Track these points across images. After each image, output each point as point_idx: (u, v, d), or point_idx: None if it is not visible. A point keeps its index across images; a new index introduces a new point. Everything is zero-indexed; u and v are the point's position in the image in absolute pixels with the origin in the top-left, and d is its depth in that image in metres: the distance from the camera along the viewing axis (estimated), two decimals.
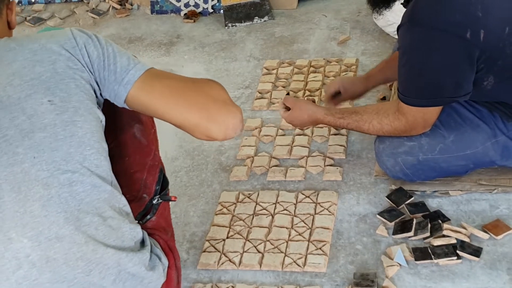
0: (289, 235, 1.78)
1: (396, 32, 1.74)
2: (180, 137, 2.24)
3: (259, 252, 1.74)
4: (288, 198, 1.90)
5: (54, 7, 3.42)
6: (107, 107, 1.29)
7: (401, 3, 1.74)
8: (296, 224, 1.81)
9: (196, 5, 3.13)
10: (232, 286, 1.67)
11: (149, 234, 1.34)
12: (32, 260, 1.12)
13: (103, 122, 1.25)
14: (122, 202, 1.24)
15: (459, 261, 1.62)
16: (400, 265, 1.63)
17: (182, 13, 3.15)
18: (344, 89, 2.06)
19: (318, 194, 1.90)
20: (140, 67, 1.25)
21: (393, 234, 1.73)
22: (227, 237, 1.81)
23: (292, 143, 2.13)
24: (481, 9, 1.54)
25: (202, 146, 2.20)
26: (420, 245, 1.69)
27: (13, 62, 1.18)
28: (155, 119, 1.47)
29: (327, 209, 1.83)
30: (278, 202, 1.89)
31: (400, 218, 1.77)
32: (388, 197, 1.84)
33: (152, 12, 3.22)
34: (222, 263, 1.73)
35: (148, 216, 1.39)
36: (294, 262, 1.69)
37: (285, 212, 1.85)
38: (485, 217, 1.75)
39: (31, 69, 1.17)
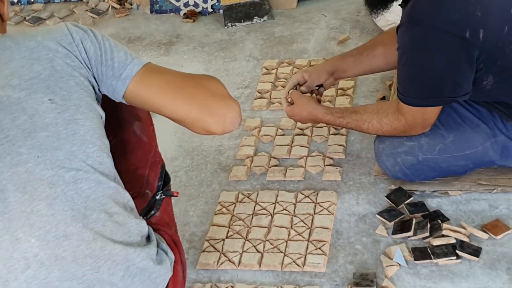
0: (289, 235, 1.78)
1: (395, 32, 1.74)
2: (179, 136, 2.24)
3: (258, 252, 1.74)
4: (287, 198, 1.90)
5: (54, 6, 3.41)
6: (106, 105, 1.29)
7: (399, 4, 1.74)
8: (296, 224, 1.81)
9: (196, 5, 3.13)
10: (231, 286, 1.67)
11: (154, 230, 1.34)
12: (41, 259, 1.12)
13: (103, 118, 1.25)
14: (126, 197, 1.25)
15: (459, 261, 1.62)
16: (399, 265, 1.63)
17: (182, 13, 3.14)
18: (310, 78, 2.02)
19: (317, 194, 1.90)
20: (138, 62, 1.25)
21: (393, 234, 1.73)
22: (227, 237, 1.81)
23: (292, 143, 2.13)
24: (480, 8, 1.53)
25: (202, 146, 2.20)
26: (419, 245, 1.69)
27: (10, 61, 1.17)
28: (153, 118, 1.47)
29: (326, 209, 1.83)
30: (278, 202, 1.89)
31: (399, 218, 1.77)
32: (387, 197, 1.84)
33: (151, 11, 3.21)
34: (222, 263, 1.73)
35: (152, 212, 1.40)
36: (294, 262, 1.69)
37: (284, 212, 1.85)
38: (484, 217, 1.75)
39: (29, 67, 1.17)
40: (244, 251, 1.75)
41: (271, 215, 1.86)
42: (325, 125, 2.13)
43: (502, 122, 1.72)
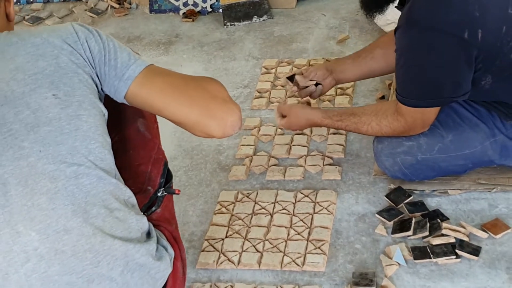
0: (288, 235, 1.78)
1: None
2: (179, 136, 2.23)
3: (258, 251, 1.74)
4: (287, 197, 1.90)
5: (53, 6, 3.41)
6: (110, 102, 1.30)
7: (395, 6, 1.74)
8: (295, 223, 1.81)
9: (195, 4, 3.13)
10: (231, 286, 1.67)
11: (154, 226, 1.35)
12: (41, 253, 1.13)
13: (106, 116, 1.25)
14: (128, 194, 1.25)
15: (458, 260, 1.62)
16: (399, 264, 1.63)
17: (181, 12, 3.14)
18: (307, 71, 2.02)
19: (317, 194, 1.90)
20: (141, 63, 1.26)
21: (392, 233, 1.73)
22: (226, 237, 1.81)
23: (291, 143, 2.13)
24: (478, 8, 1.53)
25: (201, 146, 2.20)
26: (419, 244, 1.69)
27: (15, 57, 1.18)
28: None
29: (326, 209, 1.83)
30: (277, 202, 1.89)
31: (399, 217, 1.77)
32: (387, 196, 1.84)
33: (150, 11, 3.21)
34: (221, 263, 1.73)
35: (153, 208, 1.41)
36: (293, 261, 1.69)
37: (284, 211, 1.85)
38: (484, 216, 1.74)
39: (34, 63, 1.18)
40: (244, 251, 1.75)
41: (271, 214, 1.86)
42: None
43: (501, 121, 1.72)
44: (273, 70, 2.54)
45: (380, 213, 1.79)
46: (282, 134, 2.18)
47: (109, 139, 1.24)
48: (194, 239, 1.84)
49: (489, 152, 1.75)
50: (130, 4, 3.31)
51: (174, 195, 1.48)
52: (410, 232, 1.70)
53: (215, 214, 1.89)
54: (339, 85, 2.34)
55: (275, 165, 2.06)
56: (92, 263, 1.16)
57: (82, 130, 1.17)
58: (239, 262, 1.72)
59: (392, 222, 1.76)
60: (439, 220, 1.72)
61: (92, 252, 1.15)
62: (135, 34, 3.05)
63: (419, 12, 1.58)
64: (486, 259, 1.62)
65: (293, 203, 1.88)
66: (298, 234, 1.77)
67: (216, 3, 3.11)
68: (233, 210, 1.90)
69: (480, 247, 1.64)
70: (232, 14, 3.00)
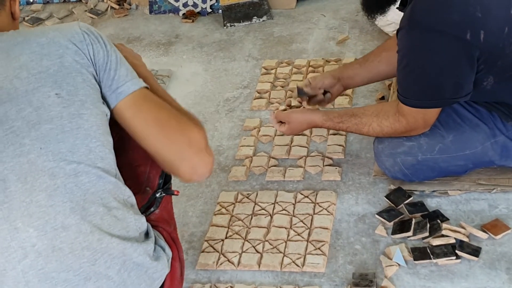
0: (288, 235, 1.77)
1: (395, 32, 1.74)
2: None
3: (257, 252, 1.74)
4: (287, 198, 1.90)
5: (53, 7, 3.41)
6: None
7: (397, 8, 1.74)
8: (295, 224, 1.80)
9: (195, 5, 3.13)
10: (230, 287, 1.66)
11: (152, 227, 1.35)
12: (38, 249, 1.13)
13: (108, 116, 1.26)
14: (127, 193, 1.26)
15: (458, 261, 1.62)
16: (399, 265, 1.63)
17: (181, 13, 3.14)
18: (314, 81, 2.02)
19: (317, 194, 1.89)
20: (137, 82, 1.27)
21: (392, 234, 1.73)
22: (226, 237, 1.80)
23: (291, 143, 2.13)
24: (480, 9, 1.53)
25: None
26: (419, 245, 1.69)
27: (20, 55, 1.19)
28: None
29: (326, 209, 1.83)
30: (277, 202, 1.89)
31: (399, 218, 1.76)
32: (387, 197, 1.84)
33: (150, 12, 3.21)
34: (221, 264, 1.72)
35: (152, 209, 1.41)
36: (293, 262, 1.69)
37: (284, 212, 1.85)
38: (484, 216, 1.74)
39: (39, 62, 1.19)
40: (244, 252, 1.74)
41: (271, 215, 1.86)
42: None
43: (501, 122, 1.72)
44: (273, 71, 2.54)
45: (380, 213, 1.79)
46: (282, 135, 2.17)
47: (110, 139, 1.25)
48: (194, 240, 1.83)
49: (489, 153, 1.75)
50: (130, 5, 3.31)
51: (173, 196, 1.49)
52: (410, 233, 1.70)
53: (215, 215, 1.89)
54: None
55: (275, 165, 2.06)
56: (89, 261, 1.16)
57: (83, 129, 1.18)
58: (239, 263, 1.72)
59: (392, 223, 1.76)
60: (439, 221, 1.72)
61: (89, 250, 1.16)
62: (135, 35, 3.05)
63: (421, 13, 1.58)
64: (486, 259, 1.62)
65: (293, 204, 1.88)
66: (298, 235, 1.77)
67: (215, 4, 3.11)
68: (233, 211, 1.90)
69: (480, 248, 1.64)
70: (232, 15, 3.00)
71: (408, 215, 1.77)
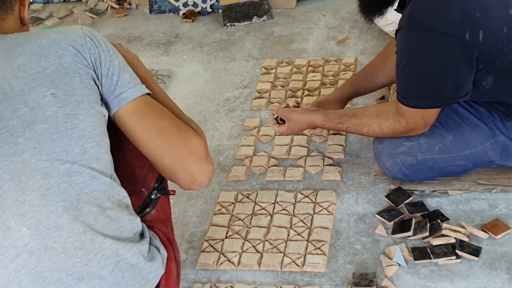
0: (288, 235, 1.77)
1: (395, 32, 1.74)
2: None
3: (258, 252, 1.74)
4: (287, 198, 1.90)
5: (53, 6, 3.41)
6: None
7: (395, 9, 1.74)
8: (295, 224, 1.80)
9: (195, 5, 3.13)
10: (231, 286, 1.66)
11: (148, 227, 1.35)
12: (31, 248, 1.13)
13: (106, 117, 1.26)
14: (122, 194, 1.25)
15: (458, 260, 1.62)
16: (399, 264, 1.63)
17: (181, 13, 3.14)
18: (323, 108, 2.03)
19: (317, 194, 1.89)
20: (139, 88, 1.27)
21: (392, 233, 1.73)
22: (226, 237, 1.80)
23: (291, 143, 2.13)
24: (479, 9, 1.53)
25: None
26: (419, 244, 1.69)
27: (19, 56, 1.19)
28: None
29: (326, 209, 1.83)
30: (277, 202, 1.89)
31: (399, 218, 1.76)
32: (387, 196, 1.84)
33: (150, 11, 3.21)
34: (221, 263, 1.72)
35: (148, 210, 1.41)
36: (293, 262, 1.69)
37: (284, 212, 1.85)
38: (484, 216, 1.74)
39: (37, 62, 1.19)
40: (244, 251, 1.74)
41: (271, 215, 1.86)
42: None
43: (501, 122, 1.72)
44: (273, 71, 2.54)
45: (380, 213, 1.79)
46: (282, 135, 2.17)
47: (107, 140, 1.24)
48: (194, 239, 1.83)
49: (489, 153, 1.75)
50: (130, 4, 3.31)
51: (174, 196, 1.48)
52: (410, 233, 1.70)
53: (215, 214, 1.89)
54: (338, 86, 2.34)
55: (275, 165, 2.06)
56: (82, 260, 1.16)
57: (79, 129, 1.18)
58: (239, 262, 1.72)
59: (392, 223, 1.76)
60: (439, 221, 1.72)
61: (82, 250, 1.16)
62: (135, 34, 3.05)
63: (420, 13, 1.58)
64: (486, 259, 1.62)
65: (293, 204, 1.88)
66: (298, 234, 1.77)
67: (216, 4, 3.11)
68: (233, 210, 1.90)
69: (480, 248, 1.64)
70: (232, 15, 3.00)
71: (408, 215, 1.77)
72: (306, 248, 1.72)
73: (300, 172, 2.00)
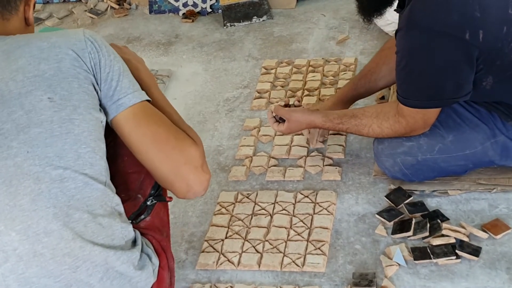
0: (288, 235, 1.77)
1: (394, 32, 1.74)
2: None
3: (257, 252, 1.74)
4: (287, 198, 1.90)
5: (52, 7, 3.41)
6: None
7: (394, 9, 1.74)
8: (295, 224, 1.80)
9: (195, 5, 3.13)
10: (230, 286, 1.66)
11: (142, 234, 1.34)
12: (20, 253, 1.12)
13: (104, 123, 1.25)
14: (115, 201, 1.24)
15: (458, 260, 1.62)
16: (399, 265, 1.63)
17: (181, 13, 3.14)
18: None
19: (317, 194, 1.89)
20: (138, 95, 1.27)
21: (392, 233, 1.73)
22: (226, 237, 1.80)
23: (291, 143, 2.13)
24: (479, 9, 1.53)
25: None
26: (419, 244, 1.69)
27: (19, 58, 1.18)
28: None
29: (326, 209, 1.83)
30: (277, 202, 1.89)
31: (399, 218, 1.76)
32: (387, 196, 1.83)
33: (150, 12, 3.21)
34: (221, 263, 1.72)
35: (142, 216, 1.39)
36: (293, 262, 1.69)
37: (284, 212, 1.85)
38: (484, 216, 1.74)
39: (36, 66, 1.18)
40: (244, 252, 1.74)
41: (271, 215, 1.86)
42: None
43: (501, 122, 1.72)
44: (273, 71, 2.54)
45: (380, 213, 1.79)
46: (282, 135, 2.17)
47: (103, 145, 1.23)
48: (194, 240, 1.83)
49: (489, 153, 1.75)
50: (129, 4, 3.31)
51: (174, 197, 1.47)
52: (410, 233, 1.69)
53: (215, 215, 1.89)
54: (338, 86, 2.34)
55: (275, 165, 2.06)
56: (70, 267, 1.15)
57: (73, 134, 1.17)
58: (239, 263, 1.72)
59: (392, 223, 1.76)
60: (439, 221, 1.72)
61: (71, 257, 1.15)
62: (135, 34, 3.05)
63: (419, 14, 1.57)
64: (486, 259, 1.62)
65: (293, 204, 1.87)
66: (298, 234, 1.77)
67: (215, 4, 3.11)
68: (233, 210, 1.90)
69: (480, 248, 1.64)
70: (232, 15, 3.00)
71: (408, 215, 1.77)
72: (306, 248, 1.72)
73: (300, 172, 2.00)
